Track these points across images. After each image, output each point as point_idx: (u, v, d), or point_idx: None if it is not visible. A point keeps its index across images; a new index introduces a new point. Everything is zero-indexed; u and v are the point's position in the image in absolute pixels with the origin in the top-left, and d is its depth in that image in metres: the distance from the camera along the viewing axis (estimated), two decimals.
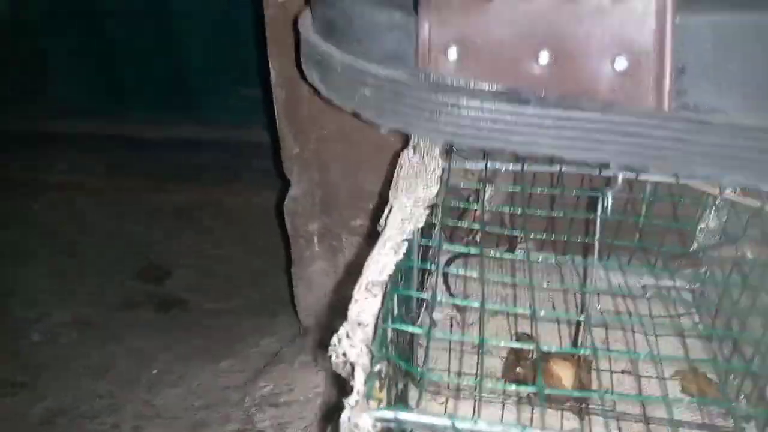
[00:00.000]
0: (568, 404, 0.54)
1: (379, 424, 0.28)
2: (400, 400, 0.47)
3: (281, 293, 0.93)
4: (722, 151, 0.39)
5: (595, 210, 0.41)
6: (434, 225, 0.44)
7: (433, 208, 0.44)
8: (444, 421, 0.28)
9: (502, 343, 0.55)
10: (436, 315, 0.65)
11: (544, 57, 0.38)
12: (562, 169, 0.43)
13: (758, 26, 0.35)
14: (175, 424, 0.76)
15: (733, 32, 0.36)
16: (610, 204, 0.40)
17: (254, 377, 0.76)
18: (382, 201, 0.44)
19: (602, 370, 0.58)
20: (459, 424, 0.28)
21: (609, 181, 0.40)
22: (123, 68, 1.48)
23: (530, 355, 0.58)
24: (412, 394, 0.56)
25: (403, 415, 0.28)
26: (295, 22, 0.47)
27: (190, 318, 1.06)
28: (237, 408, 0.71)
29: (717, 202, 0.47)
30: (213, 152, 1.47)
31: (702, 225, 0.48)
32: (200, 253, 1.24)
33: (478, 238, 0.58)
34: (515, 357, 0.58)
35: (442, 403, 0.56)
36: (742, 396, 0.53)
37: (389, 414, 0.28)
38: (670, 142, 0.38)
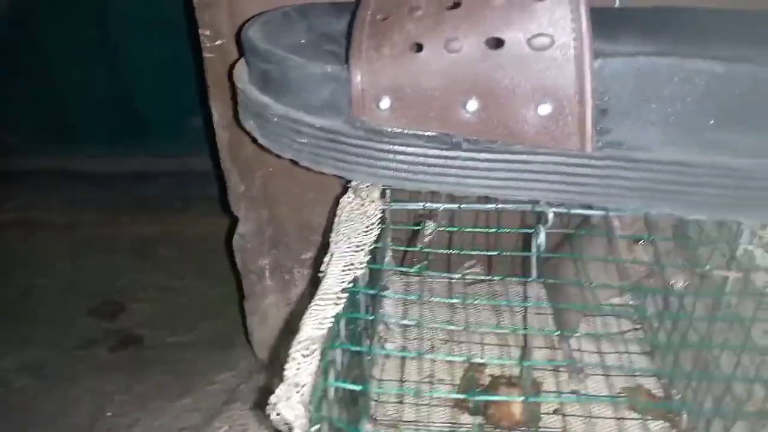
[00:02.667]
0: (520, 429, 0.55)
1: None
2: None
3: (239, 325, 0.92)
4: (647, 185, 0.40)
5: (531, 247, 0.42)
6: (377, 270, 0.45)
7: (375, 251, 0.45)
8: None
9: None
10: (389, 345, 0.65)
11: (472, 104, 0.39)
12: (498, 207, 0.44)
13: (672, 67, 0.37)
14: None
15: (650, 74, 0.38)
16: (543, 240, 0.41)
17: (210, 417, 0.75)
18: (325, 243, 0.45)
19: (550, 392, 0.60)
20: None
21: (540, 218, 0.41)
22: (70, 103, 1.46)
23: (480, 383, 0.59)
24: (367, 427, 0.57)
25: None
26: (230, 73, 0.47)
27: (148, 354, 1.04)
28: None
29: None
30: (166, 183, 1.45)
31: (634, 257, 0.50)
32: (157, 286, 1.22)
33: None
34: (466, 386, 0.59)
35: None
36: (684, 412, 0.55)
37: None
38: (596, 178, 0.40)
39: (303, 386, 0.30)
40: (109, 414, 0.86)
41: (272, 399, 0.30)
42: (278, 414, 0.30)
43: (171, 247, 1.32)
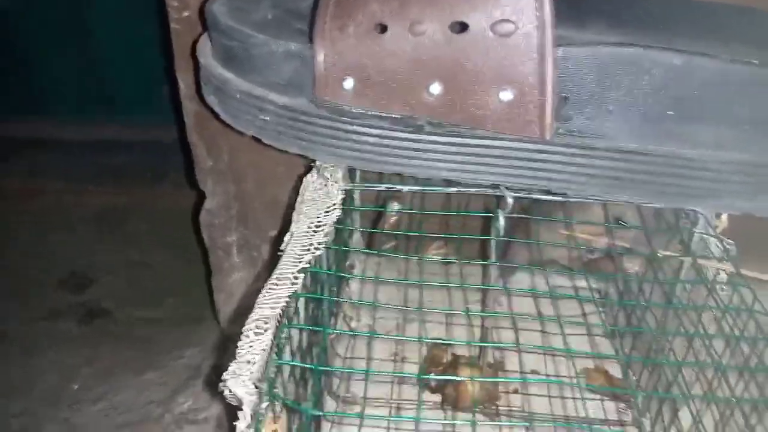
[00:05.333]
0: (479, 407, 0.56)
1: None
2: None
3: (206, 301, 0.91)
4: (605, 172, 0.41)
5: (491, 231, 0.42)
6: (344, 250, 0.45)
7: (342, 231, 0.45)
8: None
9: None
10: (355, 324, 0.66)
11: (435, 87, 0.39)
12: (460, 190, 0.44)
13: (632, 58, 0.38)
14: None
15: (611, 64, 0.38)
16: (502, 224, 0.42)
17: (175, 392, 0.75)
18: (288, 221, 0.45)
19: (512, 371, 0.61)
20: None
21: (500, 202, 0.42)
22: (39, 70, 1.43)
23: (443, 361, 0.60)
24: (330, 404, 0.57)
25: None
26: (193, 48, 0.47)
27: (115, 329, 1.03)
28: (156, 424, 0.70)
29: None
30: (135, 153, 1.43)
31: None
32: (125, 260, 1.20)
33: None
34: (429, 364, 0.60)
35: (358, 412, 0.57)
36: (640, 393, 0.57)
37: None
38: (555, 165, 0.41)
39: (253, 364, 0.30)
40: (76, 387, 0.86)
41: (224, 376, 0.31)
42: (229, 390, 0.30)
43: (139, 220, 1.30)
